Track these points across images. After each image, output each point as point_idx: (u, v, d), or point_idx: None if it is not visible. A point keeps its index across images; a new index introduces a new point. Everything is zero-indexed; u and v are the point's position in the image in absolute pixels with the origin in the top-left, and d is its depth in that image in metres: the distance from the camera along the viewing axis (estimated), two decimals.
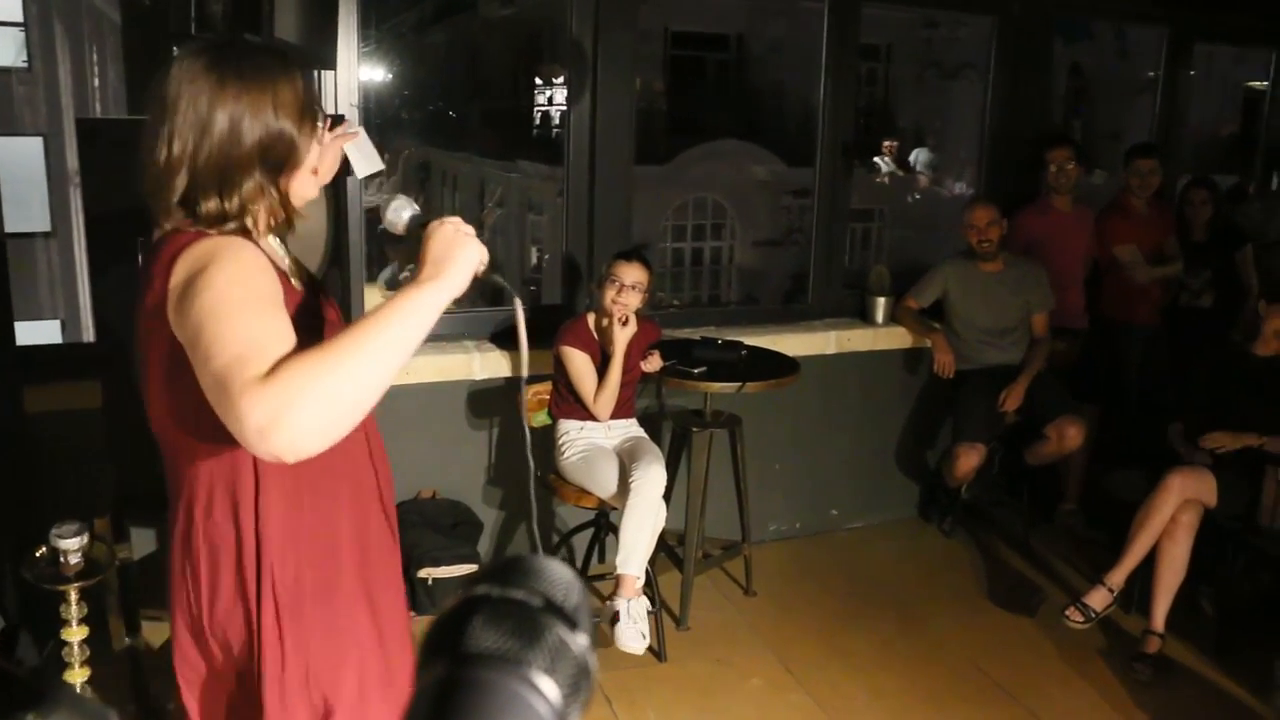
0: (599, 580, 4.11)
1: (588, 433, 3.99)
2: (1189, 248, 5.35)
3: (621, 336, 3.86)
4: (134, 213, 2.85)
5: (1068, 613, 4.07)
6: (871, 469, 5.21)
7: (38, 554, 2.82)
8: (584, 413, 3.96)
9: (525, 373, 1.85)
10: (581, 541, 4.38)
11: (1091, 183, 7.38)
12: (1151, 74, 6.34)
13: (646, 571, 3.73)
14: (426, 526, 4.03)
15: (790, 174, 14.58)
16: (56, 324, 16.51)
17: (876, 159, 13.15)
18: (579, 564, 4.28)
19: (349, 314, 4.03)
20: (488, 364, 4.23)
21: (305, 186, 1.72)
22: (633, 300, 3.88)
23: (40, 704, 0.71)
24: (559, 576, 0.72)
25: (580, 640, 0.68)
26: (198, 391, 1.45)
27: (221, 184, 1.59)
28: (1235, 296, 5.41)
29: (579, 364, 3.92)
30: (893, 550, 5.00)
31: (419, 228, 1.68)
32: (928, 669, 3.94)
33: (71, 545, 2.76)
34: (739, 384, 4.00)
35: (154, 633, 3.51)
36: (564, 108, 4.49)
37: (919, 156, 14.05)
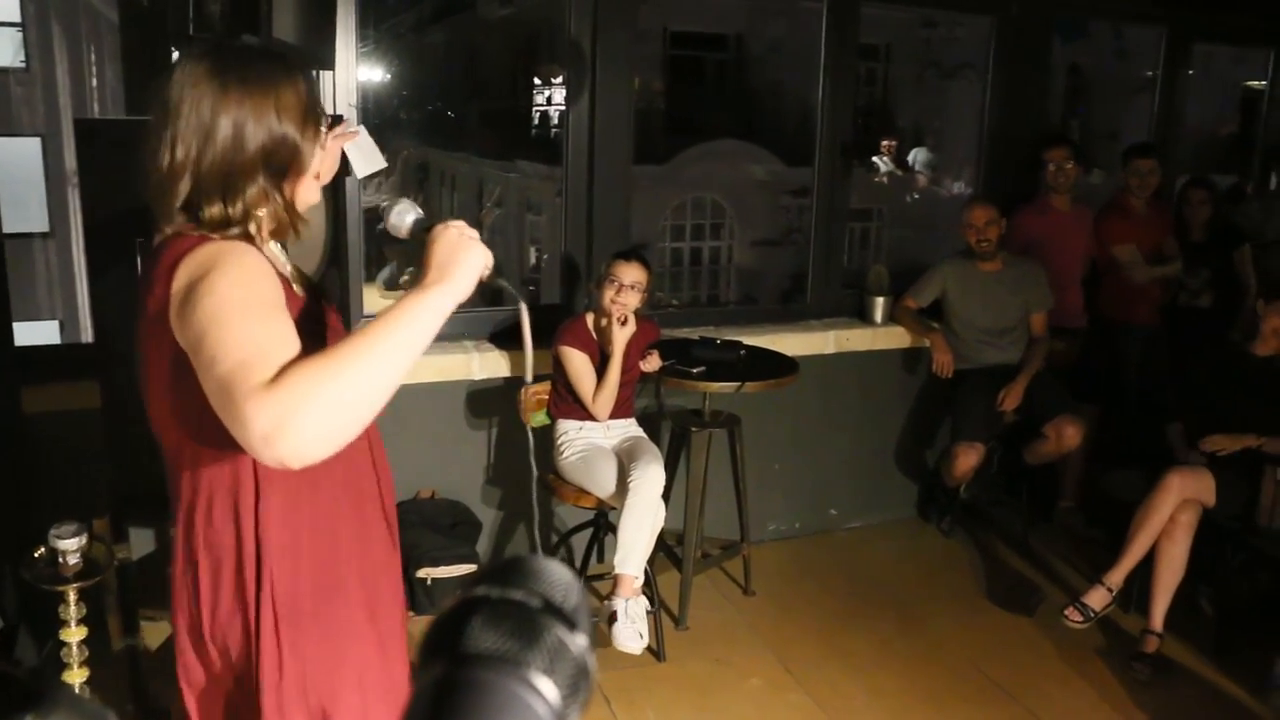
0: (598, 580, 4.11)
1: (586, 432, 3.99)
2: (1187, 247, 5.35)
3: (620, 336, 3.86)
4: (132, 213, 2.84)
5: (1067, 612, 4.07)
6: (870, 469, 5.21)
7: (36, 554, 2.82)
8: (583, 412, 3.96)
9: (530, 377, 1.85)
10: (580, 541, 4.37)
11: (1090, 182, 7.38)
12: (1150, 74, 6.34)
13: (645, 571, 3.73)
14: (425, 526, 4.03)
15: (789, 174, 14.58)
16: (55, 324, 16.51)
17: (875, 159, 13.15)
18: (578, 564, 4.28)
19: (348, 313, 4.04)
20: (487, 364, 4.23)
21: (309, 191, 1.71)
22: (631, 300, 3.88)
23: (39, 704, 0.71)
24: (558, 577, 0.72)
25: (579, 641, 0.68)
26: (200, 397, 1.44)
27: (225, 189, 1.58)
28: (1234, 296, 5.41)
29: (578, 364, 3.92)
30: (892, 550, 5.00)
31: (423, 231, 1.68)
32: (927, 669, 3.94)
33: (70, 546, 2.75)
34: (738, 384, 4.00)
35: (152, 633, 3.51)
36: (563, 108, 4.49)
37: (917, 156, 14.05)
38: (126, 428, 3.14)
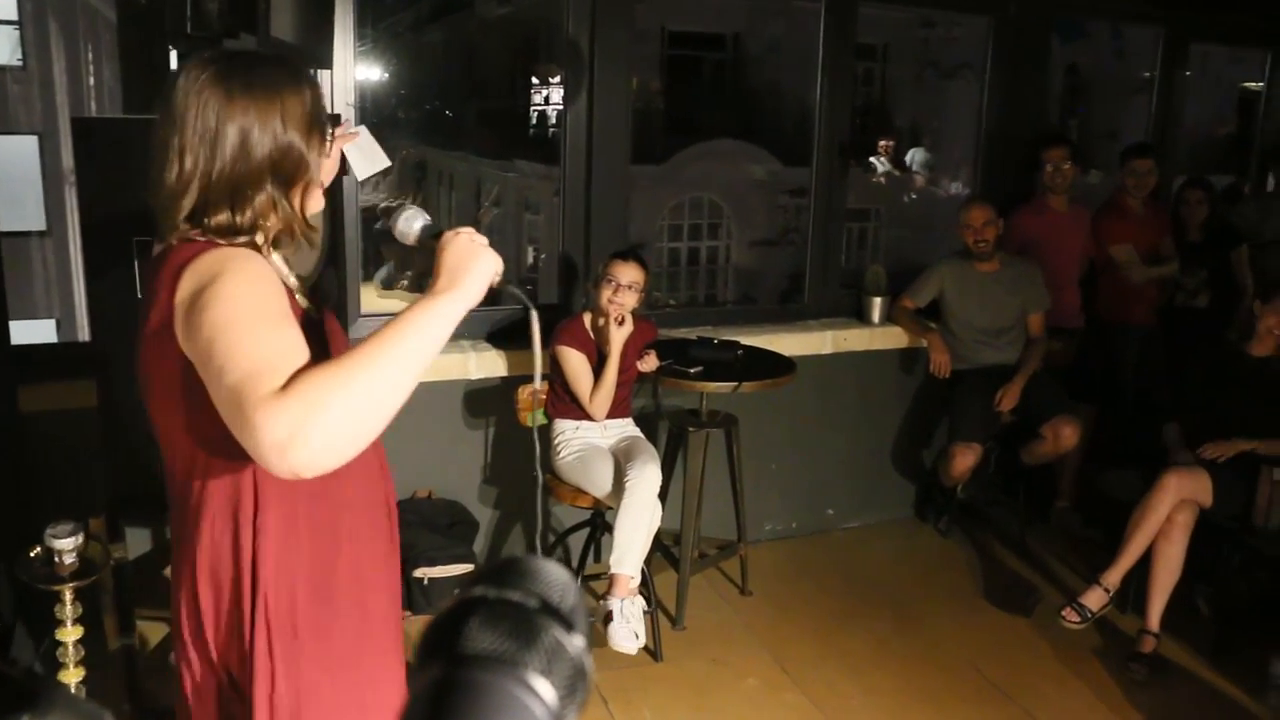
0: (595, 580, 4.11)
1: (583, 432, 3.98)
2: (1184, 248, 5.36)
3: (618, 336, 3.86)
4: (130, 212, 2.85)
5: (1064, 613, 4.07)
6: (868, 469, 5.21)
7: (32, 554, 2.81)
8: (580, 412, 3.96)
9: (538, 383, 1.85)
10: (577, 541, 4.37)
11: (1088, 182, 7.39)
12: (1147, 74, 6.34)
13: (642, 571, 3.73)
14: (422, 526, 4.03)
15: (787, 174, 14.56)
16: (51, 323, 16.49)
17: (873, 159, 13.13)
18: (574, 564, 4.27)
19: (345, 312, 4.04)
20: (484, 364, 4.23)
21: (315, 200, 1.70)
22: (629, 300, 3.88)
23: (36, 704, 0.70)
24: (555, 578, 0.72)
25: (576, 642, 0.68)
26: (209, 408, 1.43)
27: (233, 198, 1.57)
28: (1230, 296, 5.41)
29: (575, 364, 3.91)
30: (889, 550, 5.00)
31: (431, 238, 1.67)
32: (924, 668, 3.94)
33: (66, 545, 2.75)
34: (735, 384, 4.00)
35: (149, 632, 3.50)
36: (560, 107, 4.49)
37: (915, 156, 14.03)
38: (123, 427, 3.14)
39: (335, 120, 1.83)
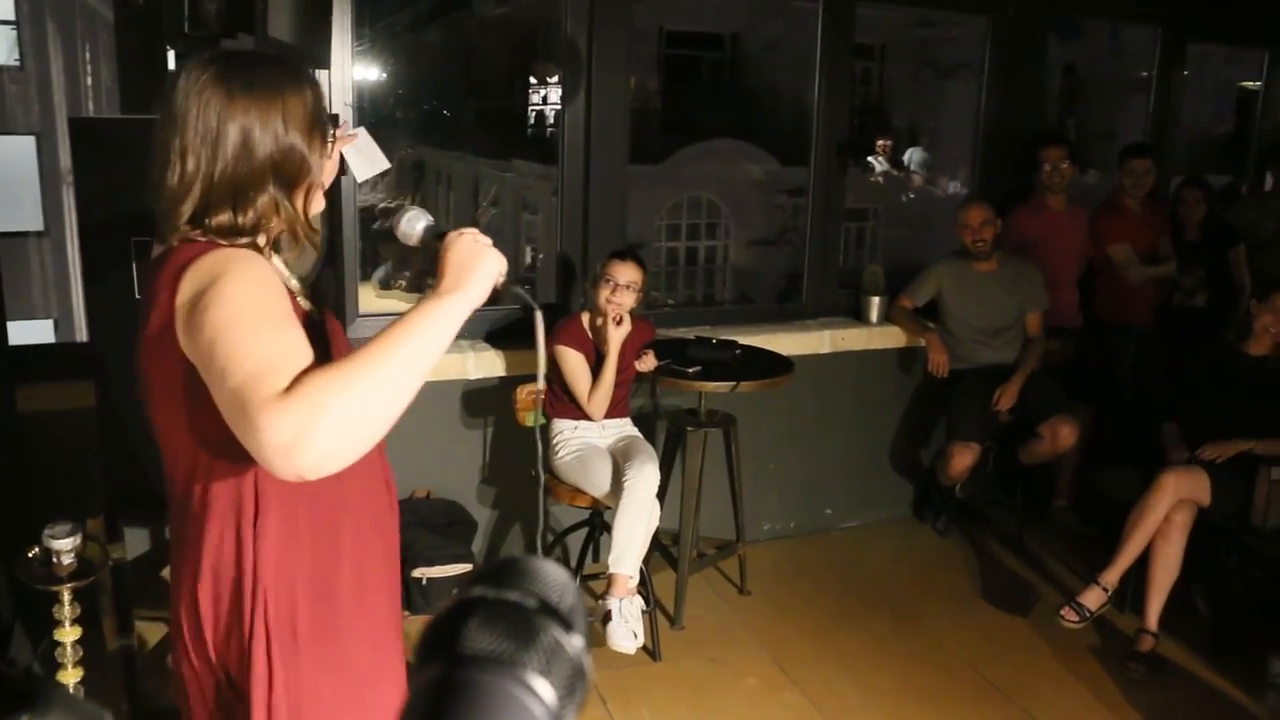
0: (593, 580, 4.11)
1: (582, 432, 3.98)
2: (1182, 247, 5.36)
3: (616, 336, 3.86)
4: (128, 212, 2.84)
5: (1063, 612, 4.07)
6: (866, 468, 5.21)
7: (30, 554, 2.81)
8: (578, 412, 3.96)
9: (541, 384, 1.84)
10: (576, 541, 4.37)
11: (1085, 182, 7.38)
12: (1145, 74, 6.34)
13: (641, 571, 3.73)
14: (421, 526, 4.03)
15: (785, 173, 14.55)
16: (49, 324, 16.48)
17: (870, 158, 13.12)
18: (573, 563, 4.28)
19: (343, 313, 4.04)
20: (482, 364, 4.23)
21: (317, 201, 1.69)
22: (627, 299, 3.88)
23: (35, 704, 0.70)
24: (554, 578, 0.72)
25: (575, 642, 0.68)
26: (211, 410, 1.42)
27: (235, 199, 1.56)
28: (1228, 296, 5.42)
29: (573, 363, 3.91)
30: (887, 549, 5.01)
31: (434, 238, 1.67)
32: (922, 668, 3.94)
33: (64, 545, 2.75)
34: (733, 383, 4.00)
35: (147, 633, 3.50)
36: (559, 107, 4.49)
37: (913, 156, 14.02)
38: (121, 427, 3.14)
39: (334, 121, 1.83)
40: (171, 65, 3.97)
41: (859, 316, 5.11)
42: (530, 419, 4.13)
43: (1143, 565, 4.01)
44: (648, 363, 3.98)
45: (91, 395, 3.22)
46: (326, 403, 1.33)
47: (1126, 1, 6.03)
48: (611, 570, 3.64)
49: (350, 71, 3.99)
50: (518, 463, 4.35)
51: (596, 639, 3.53)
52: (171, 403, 1.55)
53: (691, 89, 16.47)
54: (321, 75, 3.84)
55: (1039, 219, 5.12)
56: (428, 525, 4.06)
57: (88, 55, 16.54)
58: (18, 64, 16.42)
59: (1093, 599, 4.05)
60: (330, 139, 1.69)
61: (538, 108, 16.08)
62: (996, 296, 4.81)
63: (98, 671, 3.11)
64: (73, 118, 6.20)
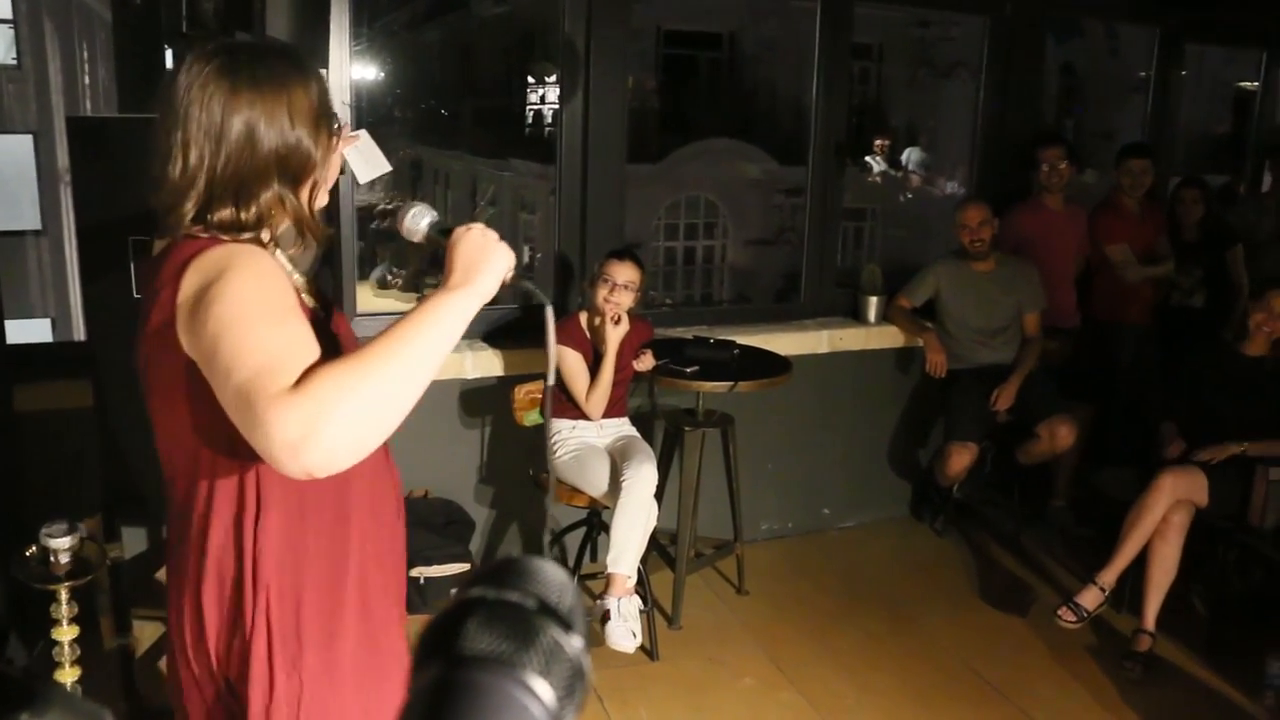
0: (591, 579, 4.11)
1: (580, 432, 3.98)
2: (1180, 247, 5.36)
3: (614, 335, 3.86)
4: (125, 211, 2.84)
5: (1060, 612, 4.07)
6: (864, 468, 5.21)
7: (28, 553, 2.81)
8: (576, 412, 3.96)
9: (551, 380, 1.82)
10: (574, 541, 4.37)
11: (1083, 182, 7.39)
12: (1143, 74, 6.34)
13: (639, 571, 3.73)
14: (418, 525, 4.02)
15: (783, 173, 14.57)
16: (47, 322, 16.46)
17: (868, 158, 13.13)
18: (571, 563, 4.28)
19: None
20: (480, 363, 4.23)
21: (320, 197, 1.67)
22: (625, 299, 3.88)
23: (34, 703, 0.70)
24: (553, 578, 0.71)
25: (575, 642, 0.68)
26: (214, 409, 1.40)
27: (238, 194, 1.53)
28: (1226, 296, 5.42)
29: (572, 363, 3.91)
30: (885, 549, 5.01)
31: (440, 234, 1.65)
32: (919, 668, 3.94)
33: (62, 544, 2.74)
34: (731, 383, 4.00)
35: (145, 632, 3.50)
36: (556, 106, 4.49)
37: (911, 156, 14.03)
38: (118, 426, 3.14)
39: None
40: (170, 65, 3.97)
41: (857, 316, 5.11)
42: (529, 418, 4.14)
43: (1140, 565, 4.01)
44: (646, 362, 3.98)
45: (89, 394, 3.21)
46: (335, 398, 1.31)
47: (1124, 1, 6.03)
48: (610, 570, 3.64)
49: (348, 71, 3.99)
50: (516, 462, 4.35)
51: (595, 638, 3.54)
52: (172, 401, 1.52)
53: (689, 88, 16.48)
54: None
55: (1037, 219, 5.12)
56: (425, 524, 4.05)
57: (85, 54, 16.53)
58: (15, 63, 16.40)
59: (1090, 599, 4.05)
60: (335, 132, 1.66)
61: (535, 107, 16.07)
62: (994, 296, 4.81)
63: (95, 670, 3.10)
64: (70, 117, 6.17)
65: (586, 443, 3.96)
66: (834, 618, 4.29)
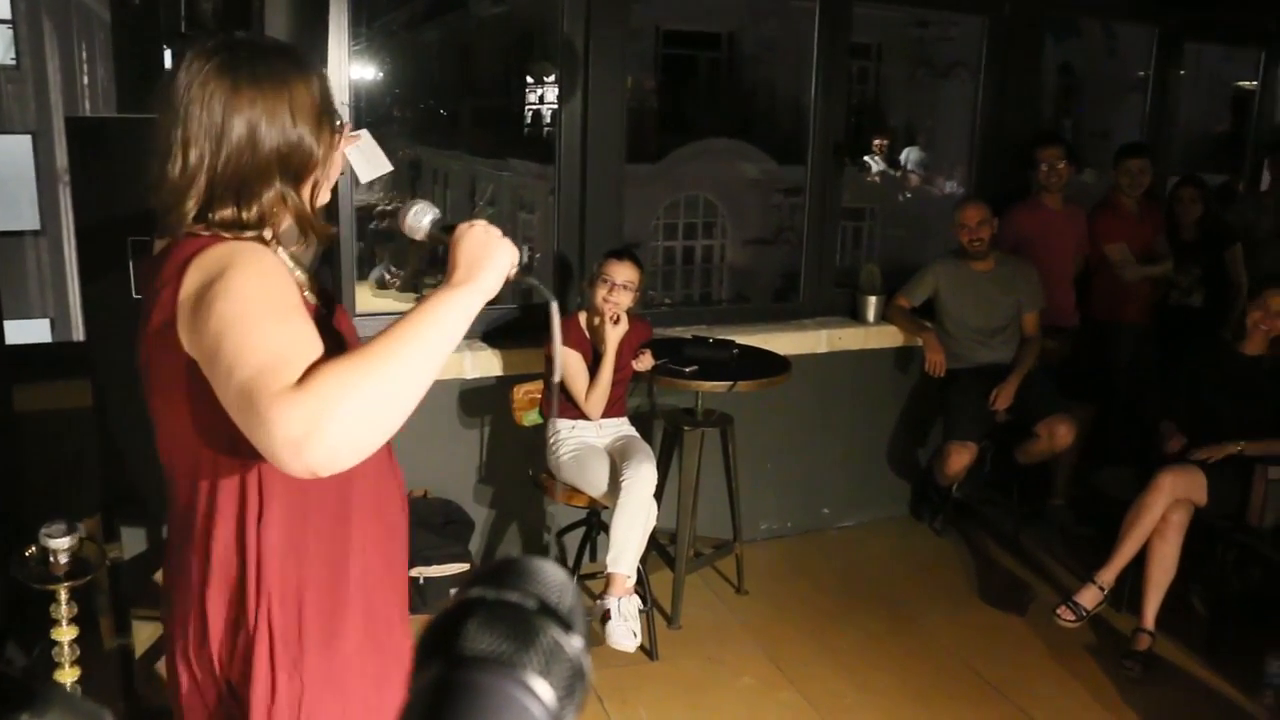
0: (590, 579, 4.11)
1: (579, 431, 3.98)
2: (1179, 246, 5.37)
3: (613, 335, 3.86)
4: (124, 211, 2.84)
5: (1059, 611, 4.07)
6: (863, 467, 5.21)
7: (27, 553, 2.81)
8: (575, 411, 3.96)
9: (559, 376, 1.82)
10: (573, 540, 4.37)
11: (1082, 181, 7.39)
12: (1141, 73, 6.35)
13: (638, 570, 3.74)
14: (418, 525, 4.02)
15: (781, 172, 14.58)
16: (46, 323, 16.46)
17: (867, 158, 13.14)
18: (570, 563, 4.28)
19: None
20: (479, 363, 4.23)
21: (322, 194, 1.65)
22: (624, 299, 3.88)
23: (34, 703, 0.70)
24: (553, 578, 0.71)
25: (575, 642, 0.68)
26: (215, 409, 1.38)
27: (239, 193, 1.52)
28: (1225, 295, 5.42)
29: (571, 363, 3.91)
30: (884, 548, 5.01)
31: (443, 231, 1.63)
32: (918, 667, 3.94)
33: (61, 545, 2.74)
34: (730, 383, 4.00)
35: (144, 632, 3.50)
36: (555, 106, 4.49)
37: (910, 155, 14.03)
38: (118, 426, 3.14)
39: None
40: (168, 65, 3.97)
41: (856, 316, 5.11)
42: (528, 418, 4.14)
43: (1140, 564, 4.01)
44: (645, 362, 3.98)
45: (88, 394, 3.21)
46: (339, 395, 1.29)
47: (1123, 1, 6.03)
48: (609, 569, 3.64)
49: (347, 71, 3.99)
50: (515, 462, 4.35)
51: (595, 638, 3.54)
52: (174, 400, 1.51)
53: (688, 88, 16.48)
54: None
55: (1036, 218, 5.12)
56: (425, 524, 4.05)
57: (84, 54, 16.53)
58: (14, 63, 16.41)
59: (1089, 598, 4.06)
60: (337, 129, 1.65)
61: (534, 107, 16.08)
62: (993, 296, 4.81)
63: (95, 670, 3.10)
64: (69, 117, 6.17)
65: (586, 442, 3.96)
66: (833, 617, 4.29)
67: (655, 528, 3.83)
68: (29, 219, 16.22)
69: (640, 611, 3.73)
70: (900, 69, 16.02)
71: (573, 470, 3.90)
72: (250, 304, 1.38)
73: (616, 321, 3.87)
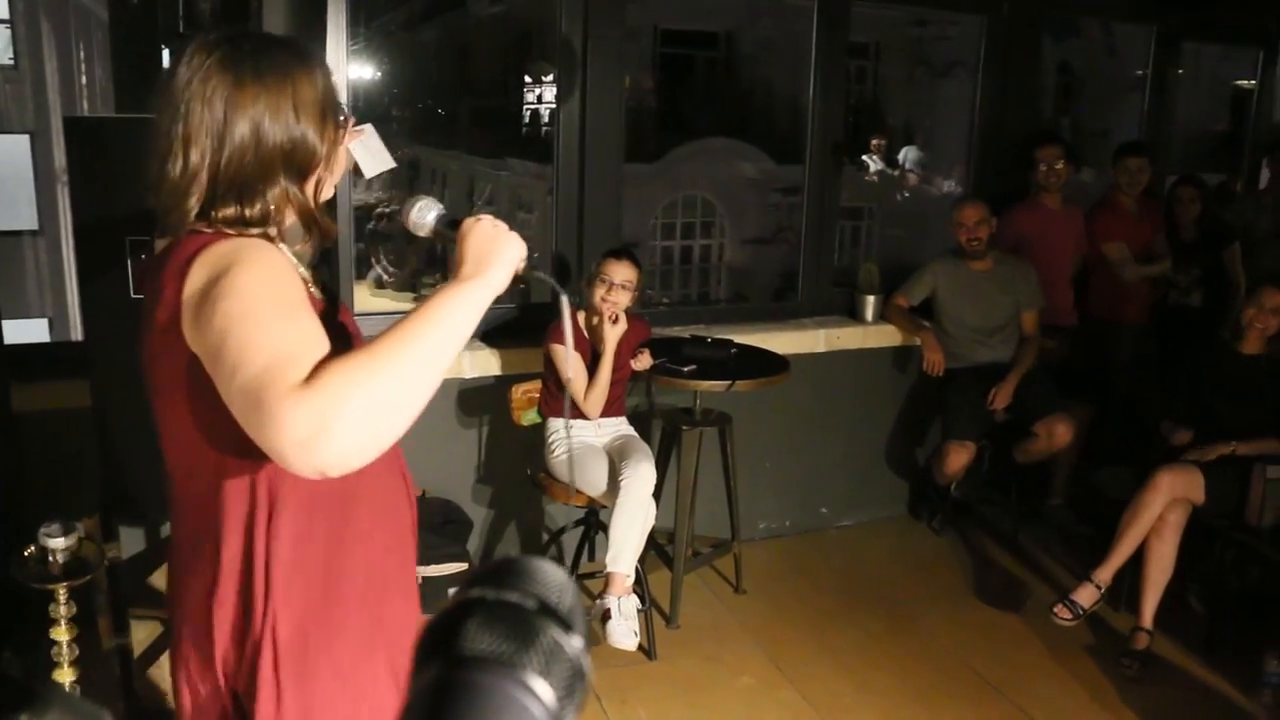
0: (589, 578, 4.11)
1: (578, 431, 3.98)
2: (1177, 246, 5.37)
3: (612, 335, 3.86)
4: (122, 211, 2.84)
5: (1056, 610, 4.08)
6: (861, 467, 5.22)
7: (26, 553, 2.80)
8: (574, 411, 3.96)
9: (571, 372, 1.80)
10: (572, 540, 4.37)
11: (1080, 180, 7.40)
12: (1140, 72, 6.35)
13: (636, 570, 3.74)
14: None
15: (780, 172, 14.59)
16: (44, 322, 16.45)
17: (865, 157, 13.15)
18: (569, 562, 4.28)
19: None
20: (477, 362, 4.23)
21: (326, 190, 1.63)
22: (622, 298, 3.88)
23: (33, 704, 0.70)
24: (552, 578, 0.71)
25: (575, 642, 0.68)
26: (219, 410, 1.35)
27: (242, 191, 1.49)
28: (1224, 294, 5.43)
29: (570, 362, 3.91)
30: (882, 548, 5.01)
31: (448, 227, 1.62)
32: (917, 666, 3.95)
33: (60, 544, 2.74)
34: (729, 382, 4.00)
35: (142, 632, 3.50)
36: (553, 106, 4.49)
37: (908, 155, 14.04)
38: (116, 426, 3.13)
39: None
40: (166, 64, 3.97)
41: (854, 315, 5.11)
42: (526, 418, 4.14)
43: (1138, 563, 4.02)
44: (643, 361, 3.98)
45: (87, 394, 3.21)
46: (348, 393, 1.26)
47: (1122, 0, 6.04)
48: (609, 569, 3.64)
49: (345, 70, 3.99)
50: (513, 462, 4.35)
51: (594, 637, 3.53)
52: (179, 401, 1.48)
53: (686, 87, 16.49)
54: None
55: (1034, 217, 5.12)
56: (423, 524, 4.01)
57: (82, 54, 16.51)
58: (12, 63, 16.39)
59: (1086, 596, 4.06)
60: (341, 124, 1.62)
61: (532, 107, 16.08)
62: (992, 295, 4.82)
63: (93, 670, 3.10)
64: (67, 116, 6.17)
65: (584, 442, 3.96)
66: (832, 616, 4.29)
67: (654, 527, 3.84)
68: (27, 219, 16.20)
69: (639, 611, 3.73)
70: (898, 68, 16.03)
71: (570, 469, 3.90)
72: (256, 301, 1.36)
73: (615, 321, 3.87)
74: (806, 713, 3.63)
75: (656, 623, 4.02)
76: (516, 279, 1.56)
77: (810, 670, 3.88)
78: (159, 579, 3.46)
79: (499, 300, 1.50)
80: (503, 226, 1.55)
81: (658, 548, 4.25)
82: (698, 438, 4.16)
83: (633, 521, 3.64)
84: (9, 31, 16.42)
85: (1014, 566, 4.81)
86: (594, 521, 4.13)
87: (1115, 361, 5.22)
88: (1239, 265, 5.50)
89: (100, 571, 2.99)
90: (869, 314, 5.06)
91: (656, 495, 3.81)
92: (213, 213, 1.49)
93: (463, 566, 3.93)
